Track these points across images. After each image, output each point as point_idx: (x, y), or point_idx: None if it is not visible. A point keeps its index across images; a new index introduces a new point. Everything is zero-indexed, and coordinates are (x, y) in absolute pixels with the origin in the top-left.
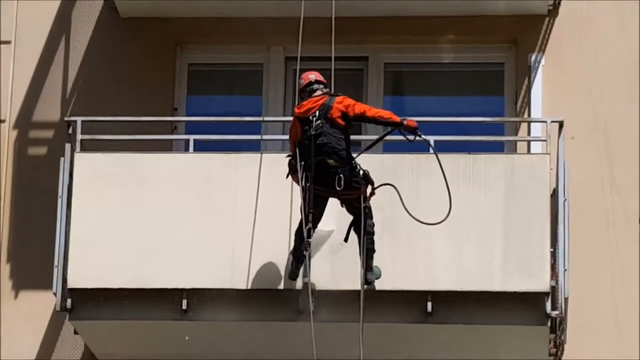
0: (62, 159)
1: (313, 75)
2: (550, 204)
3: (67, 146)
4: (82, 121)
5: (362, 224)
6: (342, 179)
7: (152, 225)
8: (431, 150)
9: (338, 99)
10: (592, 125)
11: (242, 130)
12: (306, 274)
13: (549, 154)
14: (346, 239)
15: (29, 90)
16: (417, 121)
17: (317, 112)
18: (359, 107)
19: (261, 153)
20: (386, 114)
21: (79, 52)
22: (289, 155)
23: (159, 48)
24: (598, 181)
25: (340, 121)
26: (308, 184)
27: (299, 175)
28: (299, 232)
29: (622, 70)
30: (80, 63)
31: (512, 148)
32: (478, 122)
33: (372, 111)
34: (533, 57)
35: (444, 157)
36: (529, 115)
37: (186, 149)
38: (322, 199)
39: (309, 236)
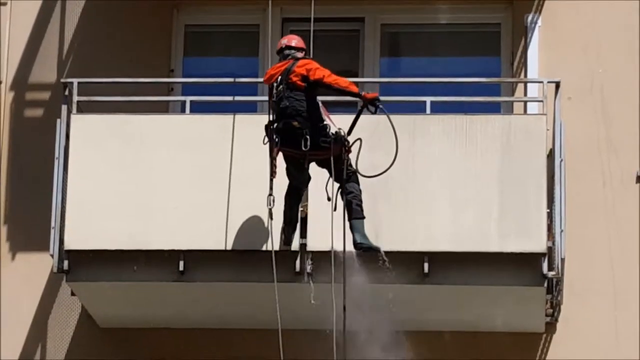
0: (58, 120)
1: (285, 41)
2: (547, 165)
3: (64, 108)
4: (79, 83)
5: (340, 183)
6: (308, 139)
7: (149, 186)
8: (427, 111)
9: (300, 62)
10: (588, 86)
11: (238, 92)
12: (304, 236)
13: (545, 114)
14: (335, 208)
15: (25, 52)
16: (414, 82)
17: (279, 78)
18: (319, 72)
19: (258, 114)
20: (344, 82)
21: (75, 13)
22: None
23: (155, 9)
24: (595, 141)
25: (300, 83)
26: (277, 148)
27: (268, 139)
28: (288, 196)
29: (619, 29)
30: (76, 24)
31: (509, 109)
32: (474, 83)
33: (331, 78)
34: (529, 18)
35: (441, 118)
36: (526, 75)
37: (182, 110)
38: (297, 161)
39: (270, 202)
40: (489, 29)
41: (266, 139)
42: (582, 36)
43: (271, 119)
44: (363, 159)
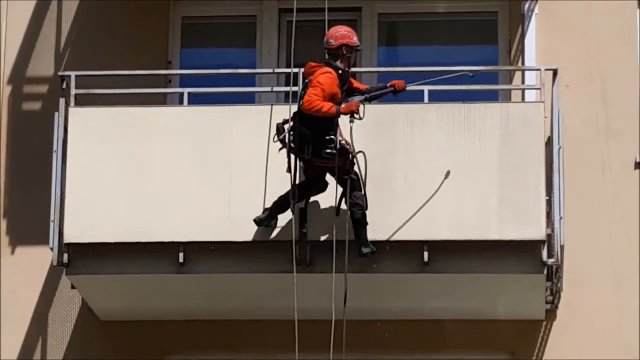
0: (56, 113)
1: (331, 41)
2: (545, 152)
3: (61, 101)
4: (76, 76)
5: (343, 191)
6: (310, 148)
7: (148, 179)
8: (425, 100)
9: (317, 72)
10: (586, 73)
11: (236, 83)
12: (303, 226)
13: (543, 102)
14: (337, 213)
15: (22, 46)
16: (412, 71)
17: (307, 79)
18: (306, 97)
19: (256, 105)
20: (325, 109)
21: (72, 6)
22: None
23: (152, 1)
24: (593, 128)
25: None
26: (287, 148)
27: (277, 137)
28: (298, 186)
29: (616, 16)
30: (73, 17)
31: (507, 97)
32: (472, 72)
33: (309, 105)
34: (527, 6)
35: (439, 107)
36: (523, 63)
37: (180, 102)
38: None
39: (294, 197)
40: (486, 17)
41: (276, 137)
42: (580, 23)
43: (290, 116)
44: (362, 148)
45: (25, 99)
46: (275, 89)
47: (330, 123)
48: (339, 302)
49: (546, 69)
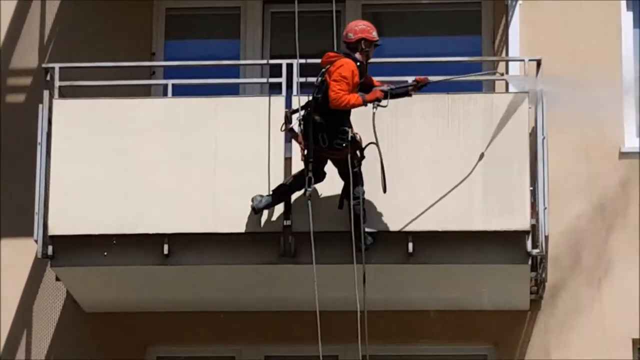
0: (40, 106)
1: (350, 34)
2: (529, 143)
3: (46, 93)
4: (60, 68)
5: (347, 184)
6: (324, 138)
7: (132, 170)
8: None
9: (337, 63)
10: (570, 63)
11: (220, 74)
12: (288, 217)
13: (527, 92)
14: (340, 206)
15: (6, 38)
16: (396, 62)
17: (323, 69)
18: (332, 95)
19: (241, 97)
20: (353, 100)
21: None
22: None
23: None
24: (577, 118)
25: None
26: (299, 135)
27: (285, 126)
28: (299, 176)
29: (599, 7)
30: (57, 9)
31: (491, 87)
32: (456, 62)
33: (338, 102)
34: None
35: (423, 97)
36: (507, 54)
37: (164, 94)
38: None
39: (309, 185)
40: (470, 8)
41: (284, 127)
42: (563, 14)
43: (301, 105)
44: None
45: (9, 91)
46: (261, 80)
47: (344, 114)
48: (315, 292)
49: (530, 60)
